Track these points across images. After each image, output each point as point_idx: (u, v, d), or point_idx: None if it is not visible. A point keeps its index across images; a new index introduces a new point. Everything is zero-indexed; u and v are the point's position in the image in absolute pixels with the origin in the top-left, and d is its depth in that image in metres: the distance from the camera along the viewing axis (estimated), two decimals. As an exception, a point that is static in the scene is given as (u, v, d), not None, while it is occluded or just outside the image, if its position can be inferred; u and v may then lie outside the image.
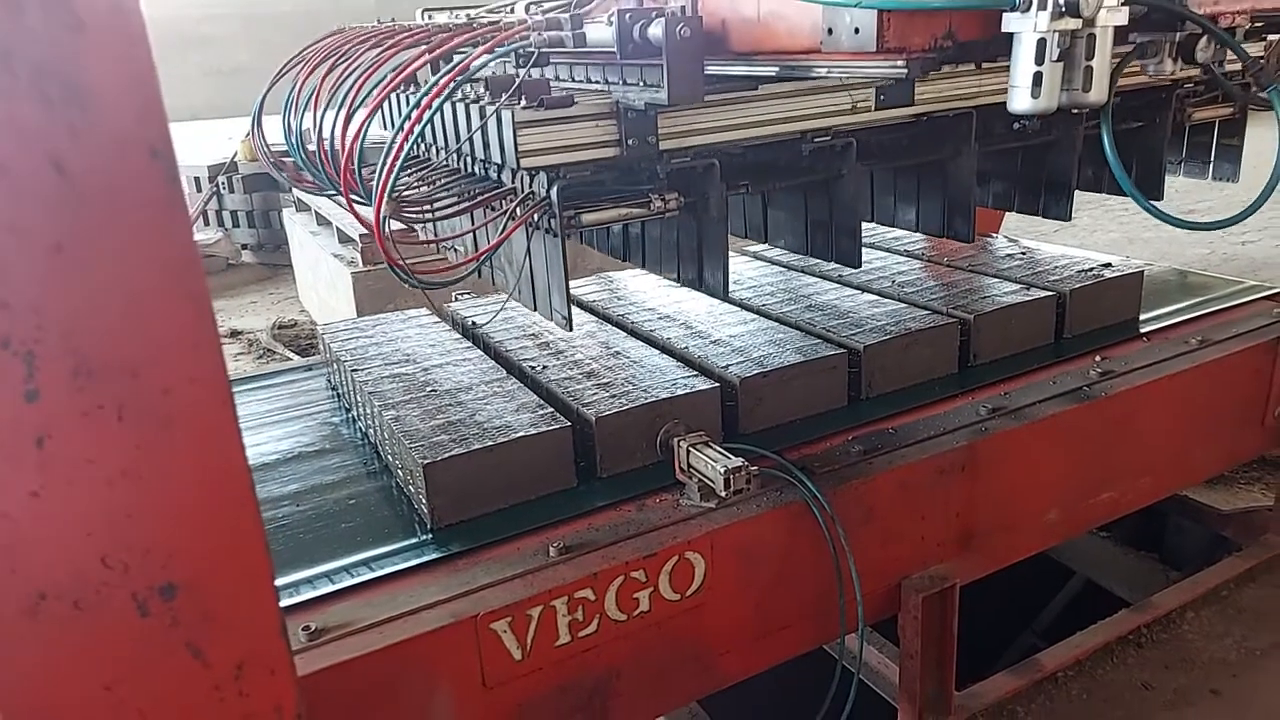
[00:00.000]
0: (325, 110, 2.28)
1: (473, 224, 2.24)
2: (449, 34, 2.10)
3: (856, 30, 1.54)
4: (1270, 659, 2.63)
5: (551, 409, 2.09)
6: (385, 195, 1.80)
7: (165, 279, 0.91)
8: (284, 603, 1.60)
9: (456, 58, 1.98)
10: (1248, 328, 2.79)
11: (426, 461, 1.88)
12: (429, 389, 2.25)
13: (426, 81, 2.14)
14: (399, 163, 1.80)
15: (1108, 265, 2.90)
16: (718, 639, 1.96)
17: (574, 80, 2.15)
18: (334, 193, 2.49)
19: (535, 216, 1.96)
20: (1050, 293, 2.71)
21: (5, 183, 0.85)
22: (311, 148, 2.40)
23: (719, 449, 1.91)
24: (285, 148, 2.62)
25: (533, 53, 1.86)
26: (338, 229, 6.26)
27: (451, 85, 1.82)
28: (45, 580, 0.95)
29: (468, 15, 2.61)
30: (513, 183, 2.03)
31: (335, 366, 2.62)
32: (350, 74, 2.25)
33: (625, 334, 2.59)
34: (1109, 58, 1.60)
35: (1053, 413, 2.35)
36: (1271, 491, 3.20)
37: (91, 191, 0.88)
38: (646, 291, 2.93)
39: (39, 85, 0.83)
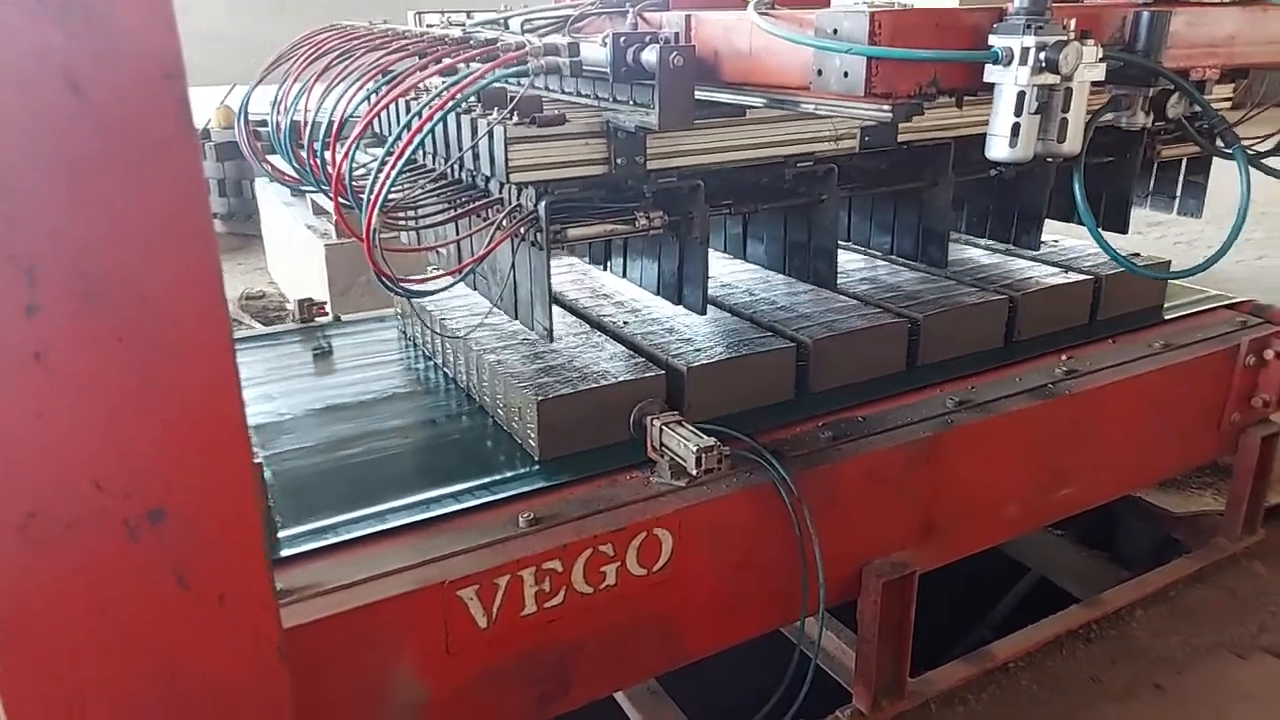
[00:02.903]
0: (318, 111, 2.26)
1: (458, 233, 2.28)
2: (446, 47, 2.11)
3: (845, 74, 1.59)
4: (1213, 657, 2.71)
5: (643, 358, 2.24)
6: (377, 208, 1.81)
7: (176, 206, 0.92)
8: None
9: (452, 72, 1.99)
10: (1209, 334, 2.86)
11: (540, 399, 2.03)
12: (520, 338, 2.40)
13: (421, 87, 2.14)
14: (392, 178, 1.81)
15: (1136, 255, 2.99)
16: (682, 615, 1.98)
17: (564, 92, 2.19)
18: (315, 190, 2.48)
19: (521, 229, 2.00)
20: (1087, 276, 2.85)
21: (23, 101, 0.85)
22: (300, 149, 2.38)
23: (691, 428, 1.93)
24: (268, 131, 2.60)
25: (529, 74, 1.88)
26: (312, 200, 6.19)
27: (448, 106, 1.84)
28: (37, 498, 0.95)
29: (462, 26, 2.62)
30: (500, 193, 2.07)
31: (416, 317, 2.72)
32: (345, 77, 2.23)
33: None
34: (1084, 111, 1.67)
35: (1016, 408, 2.40)
36: (1223, 497, 3.28)
37: (107, 112, 0.88)
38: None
39: (60, 7, 0.83)
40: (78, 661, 1.04)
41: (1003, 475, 2.45)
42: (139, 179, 0.90)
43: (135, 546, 1.01)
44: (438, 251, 2.55)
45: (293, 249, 6.45)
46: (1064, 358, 2.65)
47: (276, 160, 2.66)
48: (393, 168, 1.80)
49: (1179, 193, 3.06)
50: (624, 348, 2.33)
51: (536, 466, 2.06)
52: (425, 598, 1.66)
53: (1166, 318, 2.99)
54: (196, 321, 0.99)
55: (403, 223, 2.15)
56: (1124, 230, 2.88)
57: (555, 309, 2.63)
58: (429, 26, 3.00)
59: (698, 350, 2.28)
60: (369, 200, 1.82)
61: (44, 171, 0.87)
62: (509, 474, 2.04)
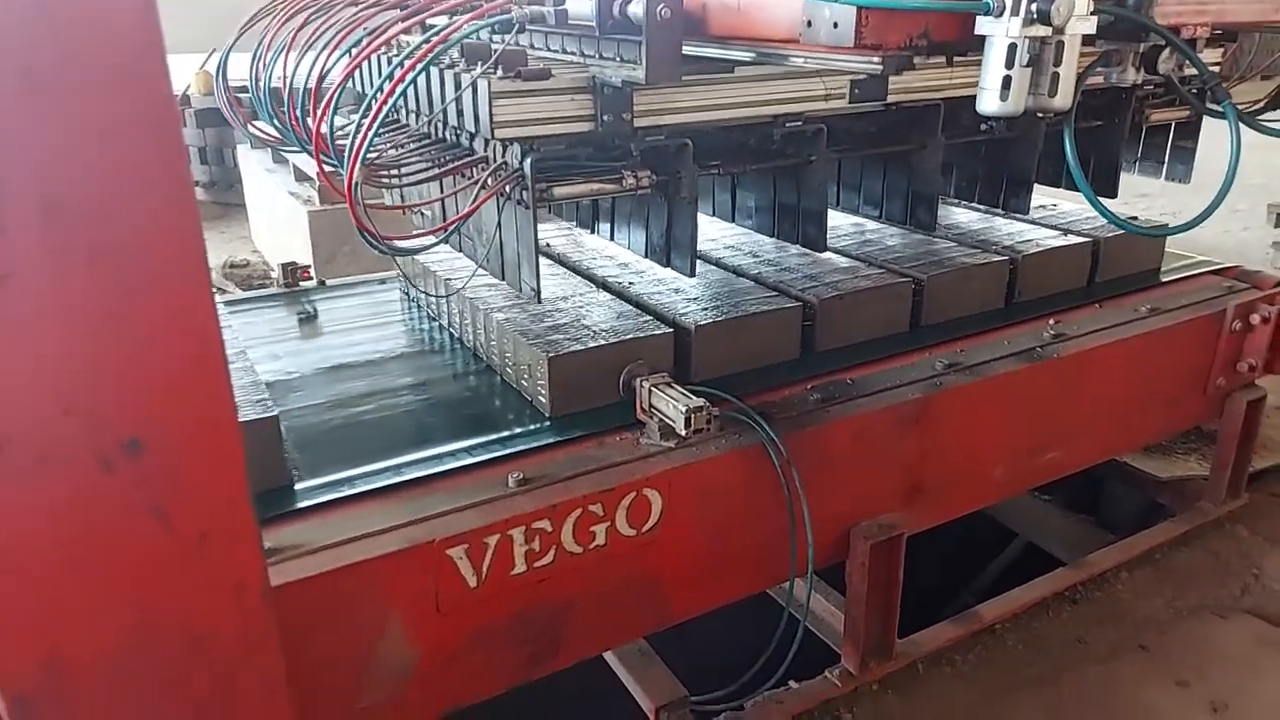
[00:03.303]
0: (297, 69, 2.22)
1: (442, 191, 2.25)
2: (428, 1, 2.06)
3: (835, 25, 1.57)
4: (1197, 618, 2.74)
5: (650, 316, 2.25)
6: (359, 161, 1.78)
7: (140, 115, 0.87)
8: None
9: (435, 21, 1.95)
10: (1195, 299, 2.87)
11: (552, 355, 2.04)
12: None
13: (402, 41, 2.10)
14: (373, 130, 1.78)
15: (1134, 218, 3.00)
16: (671, 576, 1.98)
17: (549, 50, 2.15)
18: (297, 150, 2.44)
19: (507, 188, 1.97)
20: (1087, 239, 2.88)
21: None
22: (280, 105, 2.34)
23: (681, 389, 1.93)
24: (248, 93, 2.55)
25: (513, 24, 1.84)
26: (294, 167, 6.12)
27: (429, 57, 1.80)
28: (3, 426, 0.92)
29: None
30: (485, 151, 2.04)
31: (420, 278, 2.72)
32: (324, 32, 2.19)
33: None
34: (1075, 65, 1.65)
35: (1003, 371, 2.40)
36: (1207, 462, 3.31)
37: (65, 14, 0.85)
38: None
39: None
40: (48, 606, 1.02)
41: (990, 437, 2.46)
42: (101, 89, 0.86)
43: (110, 479, 0.97)
44: (422, 212, 2.52)
45: (276, 217, 6.38)
46: (1052, 321, 2.65)
47: (259, 123, 2.61)
48: (373, 121, 1.77)
49: (1167, 158, 3.07)
50: (631, 306, 2.33)
51: (548, 423, 2.07)
52: (415, 556, 1.65)
53: (1160, 281, 3.00)
54: (168, 240, 0.95)
55: (387, 180, 2.11)
56: (1113, 194, 2.88)
57: (560, 269, 2.66)
58: None
59: (704, 309, 2.29)
60: (350, 154, 1.79)
61: (2, 78, 0.83)
62: (518, 430, 2.05)
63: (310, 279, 2.99)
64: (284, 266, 2.95)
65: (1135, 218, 3.02)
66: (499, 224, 2.13)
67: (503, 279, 2.25)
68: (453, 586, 1.70)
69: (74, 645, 1.03)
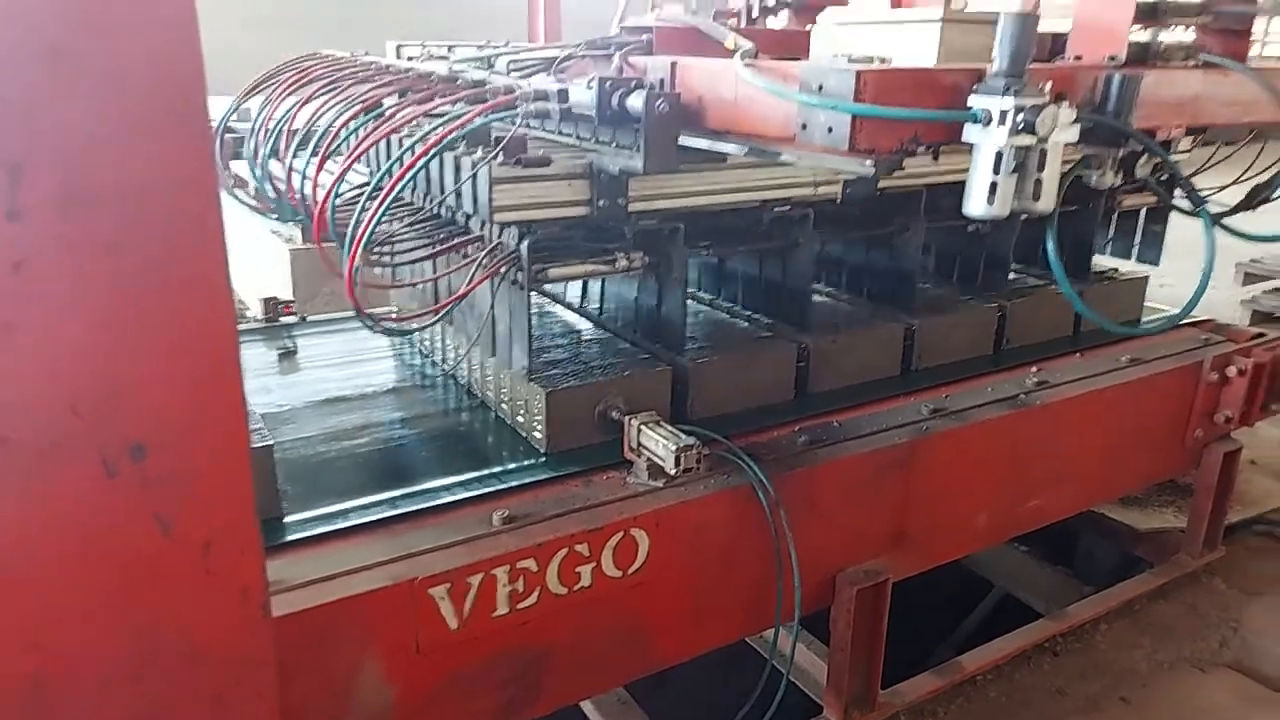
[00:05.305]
0: (299, 146, 2.22)
1: (434, 271, 2.27)
2: (434, 85, 2.09)
3: (830, 130, 1.59)
4: (1177, 671, 2.73)
5: (648, 354, 2.24)
6: (360, 247, 1.78)
7: (169, 101, 0.83)
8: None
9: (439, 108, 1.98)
10: (1174, 350, 2.90)
11: (549, 390, 2.01)
12: None
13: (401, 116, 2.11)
14: (377, 217, 1.78)
15: (1115, 270, 3.12)
16: (656, 619, 1.94)
17: (545, 129, 2.19)
18: (291, 220, 2.44)
19: (502, 268, 1.99)
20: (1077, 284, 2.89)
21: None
22: (278, 178, 2.34)
23: (669, 428, 1.90)
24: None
25: (518, 118, 1.88)
26: (274, 204, 6.09)
27: (437, 148, 1.82)
28: (7, 421, 0.87)
29: (445, 59, 2.59)
30: (481, 230, 2.06)
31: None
32: (328, 110, 2.20)
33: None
34: (1059, 170, 1.69)
35: (987, 418, 2.40)
36: (1184, 515, 3.32)
37: None
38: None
39: None
40: (44, 612, 0.96)
41: (974, 484, 2.45)
42: (128, 69, 0.82)
43: (113, 483, 0.92)
44: (415, 287, 2.52)
45: (256, 255, 6.32)
46: (1034, 369, 2.66)
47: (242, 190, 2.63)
48: (379, 208, 1.77)
49: (1138, 241, 3.19)
50: (628, 344, 2.33)
51: (543, 459, 2.05)
52: (396, 595, 1.60)
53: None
54: (190, 234, 0.91)
55: (382, 258, 2.12)
56: (1085, 279, 3.01)
57: (557, 305, 2.67)
58: (410, 59, 2.99)
59: (701, 348, 2.29)
60: (352, 239, 1.79)
61: (23, 57, 0.79)
62: (511, 466, 2.02)
63: (292, 314, 2.95)
64: (265, 301, 2.90)
65: (1116, 269, 3.09)
66: (492, 303, 2.14)
67: (493, 355, 2.24)
68: (433, 626, 1.65)
69: (62, 659, 0.98)
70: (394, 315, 2.51)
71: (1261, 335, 3.09)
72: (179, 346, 0.92)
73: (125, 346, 0.91)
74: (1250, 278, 5.28)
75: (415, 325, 2.40)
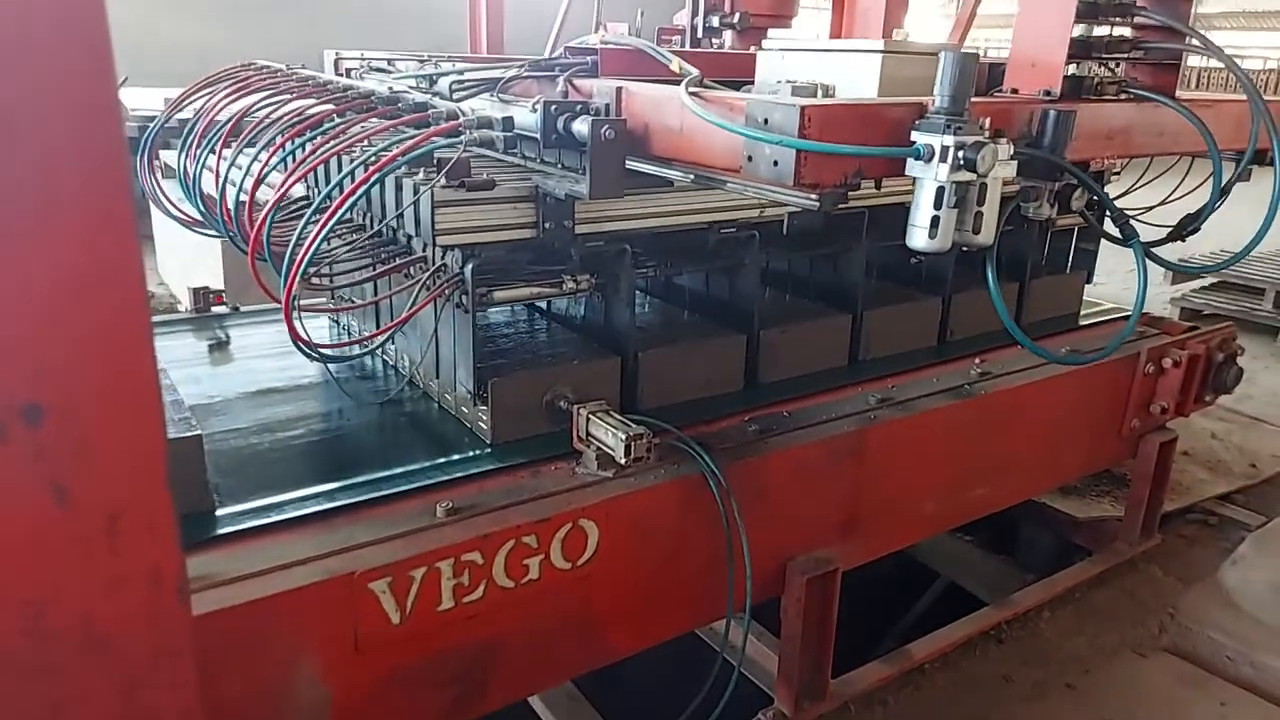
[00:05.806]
0: (232, 163, 2.13)
1: (375, 293, 2.23)
2: (376, 106, 2.03)
3: (775, 163, 1.58)
4: (1119, 656, 2.77)
5: (596, 343, 2.21)
6: (298, 274, 1.72)
7: (65, 17, 0.73)
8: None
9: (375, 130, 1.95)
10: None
11: (495, 380, 1.96)
12: None
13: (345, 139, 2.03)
14: (316, 244, 1.71)
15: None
16: (607, 611, 1.90)
17: (490, 150, 2.13)
18: (221, 236, 2.35)
19: (446, 290, 1.95)
20: (1014, 282, 3.00)
21: None
22: (210, 194, 2.25)
23: (619, 418, 1.86)
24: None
25: (461, 143, 1.83)
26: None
27: (380, 173, 1.76)
28: None
29: (384, 72, 2.50)
30: (424, 251, 2.01)
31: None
32: (263, 128, 2.11)
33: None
34: (998, 204, 1.72)
35: (933, 407, 2.41)
36: (1121, 504, 3.39)
37: None
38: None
39: None
40: None
41: (921, 472, 2.46)
42: None
43: (4, 449, 0.82)
44: (353, 300, 2.47)
45: (185, 247, 6.12)
46: (978, 361, 2.68)
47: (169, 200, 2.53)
48: (318, 234, 1.70)
49: (1070, 259, 3.25)
50: (577, 334, 2.29)
51: (488, 450, 1.99)
52: (333, 590, 1.53)
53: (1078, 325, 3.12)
54: (85, 163, 0.79)
55: (318, 281, 2.05)
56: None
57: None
58: (348, 71, 2.90)
59: (650, 338, 2.25)
60: (290, 266, 1.72)
61: None
62: (455, 457, 1.96)
63: (224, 304, 2.84)
64: (195, 291, 2.79)
65: None
66: (436, 326, 2.09)
67: (436, 378, 2.18)
68: (374, 623, 1.58)
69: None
70: (330, 307, 2.44)
71: (1195, 328, 3.17)
72: (77, 292, 0.81)
73: (12, 293, 0.80)
74: (1179, 277, 5.44)
75: (357, 350, 2.40)
